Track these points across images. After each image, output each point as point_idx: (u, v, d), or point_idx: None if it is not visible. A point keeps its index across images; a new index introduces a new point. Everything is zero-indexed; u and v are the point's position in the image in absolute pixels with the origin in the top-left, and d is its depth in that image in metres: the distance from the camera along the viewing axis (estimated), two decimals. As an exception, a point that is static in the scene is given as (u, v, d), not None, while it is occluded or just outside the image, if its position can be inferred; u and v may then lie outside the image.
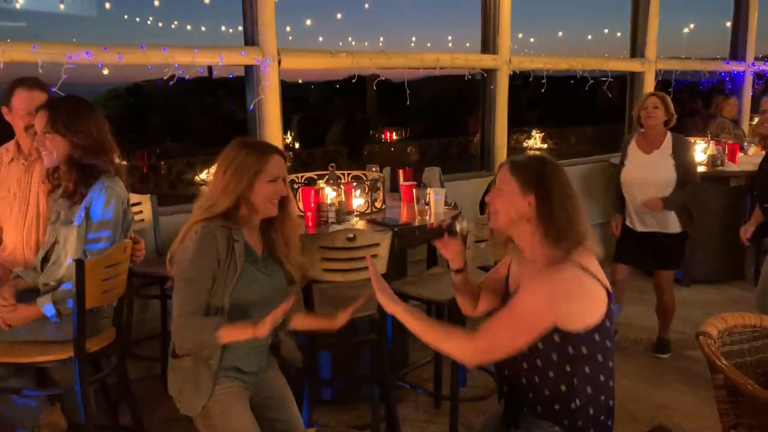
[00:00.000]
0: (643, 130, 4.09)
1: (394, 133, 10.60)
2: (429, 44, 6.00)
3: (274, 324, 1.99)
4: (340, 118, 9.11)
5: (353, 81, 4.74)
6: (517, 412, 1.98)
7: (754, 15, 7.18)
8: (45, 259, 2.57)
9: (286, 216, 2.22)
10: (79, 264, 2.35)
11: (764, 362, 2.50)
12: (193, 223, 2.08)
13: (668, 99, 4.08)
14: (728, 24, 7.37)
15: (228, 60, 4.07)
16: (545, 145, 14.53)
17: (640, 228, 4.05)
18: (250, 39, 4.21)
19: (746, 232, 3.92)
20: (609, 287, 1.89)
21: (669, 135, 4.03)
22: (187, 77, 4.01)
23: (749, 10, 7.13)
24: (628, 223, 4.13)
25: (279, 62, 4.18)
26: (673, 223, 3.97)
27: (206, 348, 2.07)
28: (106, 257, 2.48)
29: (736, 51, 7.29)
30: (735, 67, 7.21)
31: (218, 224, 2.06)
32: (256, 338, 2.01)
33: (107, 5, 5.10)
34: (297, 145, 10.17)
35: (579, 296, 1.81)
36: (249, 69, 4.23)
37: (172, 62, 3.84)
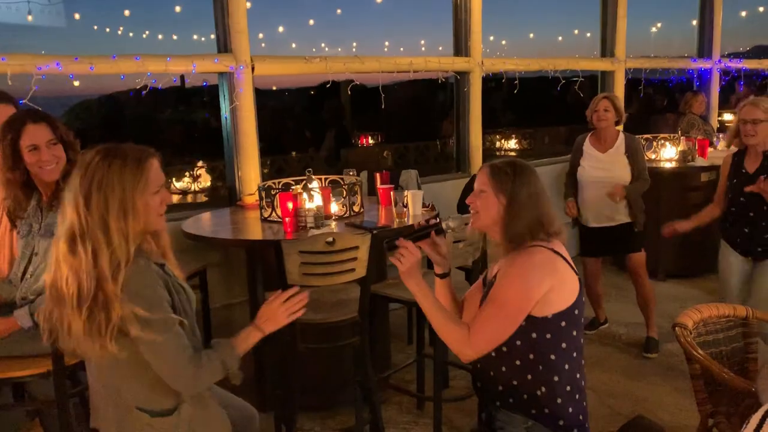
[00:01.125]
0: (594, 130, 4.18)
1: (369, 137, 10.60)
2: (402, 48, 6.07)
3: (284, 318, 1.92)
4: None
5: (327, 86, 4.73)
6: (489, 403, 2.03)
7: (719, 13, 7.33)
8: (23, 273, 2.53)
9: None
10: (56, 276, 2.32)
11: (739, 351, 2.56)
12: (104, 284, 1.67)
13: (618, 100, 4.20)
14: (694, 23, 7.53)
15: (201, 68, 4.05)
16: (519, 146, 14.62)
17: (593, 224, 4.16)
18: (223, 46, 4.19)
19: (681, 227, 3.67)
20: (579, 276, 1.97)
21: (621, 134, 4.14)
22: (160, 87, 3.98)
23: (714, 9, 7.28)
24: (583, 221, 4.21)
25: (252, 69, 4.17)
26: (620, 215, 4.07)
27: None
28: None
29: (703, 49, 7.45)
30: (702, 64, 7.36)
31: (141, 259, 1.75)
32: None
33: (77, 16, 5.03)
34: (271, 151, 10.16)
35: (551, 276, 1.88)
36: (223, 76, 4.22)
37: (145, 71, 3.81)
